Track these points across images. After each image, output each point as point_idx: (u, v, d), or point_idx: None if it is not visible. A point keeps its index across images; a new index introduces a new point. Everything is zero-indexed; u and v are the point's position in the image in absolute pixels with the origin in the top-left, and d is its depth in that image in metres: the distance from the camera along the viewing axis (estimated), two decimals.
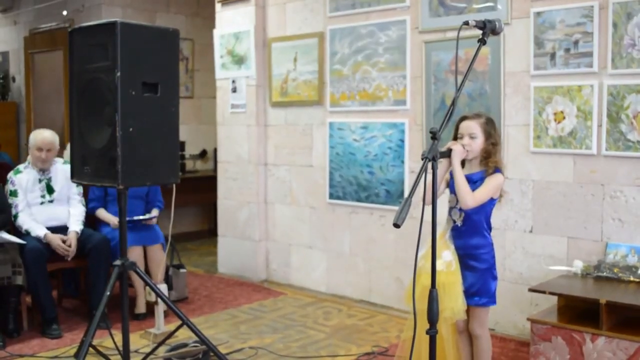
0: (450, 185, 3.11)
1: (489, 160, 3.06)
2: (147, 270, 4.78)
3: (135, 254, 4.59)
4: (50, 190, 4.61)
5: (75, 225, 4.56)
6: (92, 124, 3.07)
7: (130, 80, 2.96)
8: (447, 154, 2.97)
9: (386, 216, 4.93)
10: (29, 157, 4.64)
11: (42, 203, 4.58)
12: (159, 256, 4.83)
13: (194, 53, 7.93)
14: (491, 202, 3.09)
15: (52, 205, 4.61)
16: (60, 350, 4.08)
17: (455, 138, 3.09)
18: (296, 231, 5.59)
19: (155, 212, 4.93)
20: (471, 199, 2.97)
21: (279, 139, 5.68)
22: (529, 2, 4.10)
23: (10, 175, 4.56)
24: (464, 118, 3.12)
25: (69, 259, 4.46)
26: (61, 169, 4.60)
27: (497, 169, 3.07)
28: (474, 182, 3.05)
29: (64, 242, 4.43)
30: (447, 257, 3.05)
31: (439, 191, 3.10)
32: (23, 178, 4.54)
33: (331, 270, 5.36)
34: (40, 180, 4.58)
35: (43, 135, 4.57)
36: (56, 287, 4.90)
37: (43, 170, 4.59)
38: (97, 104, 3.03)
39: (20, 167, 4.63)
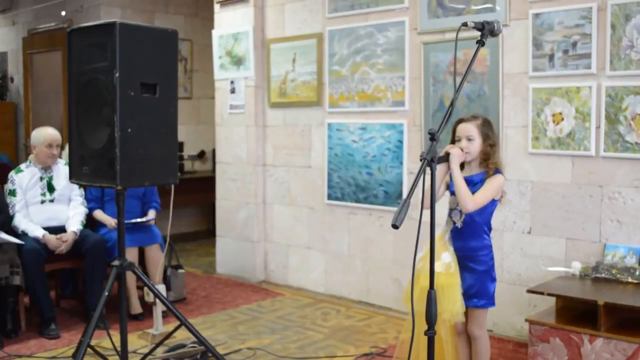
0: (451, 186, 3.09)
1: (489, 161, 3.05)
2: (145, 271, 4.77)
3: (131, 255, 4.57)
4: (51, 188, 4.60)
5: (74, 225, 4.55)
6: (91, 124, 3.07)
7: (129, 80, 2.96)
8: (445, 158, 2.96)
9: (385, 217, 4.93)
10: (31, 156, 4.64)
11: (42, 202, 4.57)
12: (157, 256, 4.82)
13: (192, 54, 7.92)
14: (492, 204, 3.08)
15: (52, 204, 4.60)
16: (58, 350, 4.07)
17: (453, 141, 3.08)
18: (295, 232, 5.59)
19: (152, 214, 4.92)
20: (472, 202, 2.96)
21: (278, 139, 5.68)
22: (527, 4, 4.11)
23: (12, 174, 4.56)
24: (460, 121, 3.11)
25: (56, 252, 4.41)
26: (63, 169, 4.60)
27: (498, 170, 3.07)
28: (475, 183, 3.04)
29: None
30: (446, 258, 3.04)
31: (439, 193, 3.10)
32: (24, 177, 4.53)
33: (329, 271, 5.36)
34: (42, 178, 4.58)
35: (51, 132, 4.59)
36: (54, 287, 4.89)
37: (45, 169, 4.59)
38: (95, 105, 3.03)
39: (22, 166, 4.63)
